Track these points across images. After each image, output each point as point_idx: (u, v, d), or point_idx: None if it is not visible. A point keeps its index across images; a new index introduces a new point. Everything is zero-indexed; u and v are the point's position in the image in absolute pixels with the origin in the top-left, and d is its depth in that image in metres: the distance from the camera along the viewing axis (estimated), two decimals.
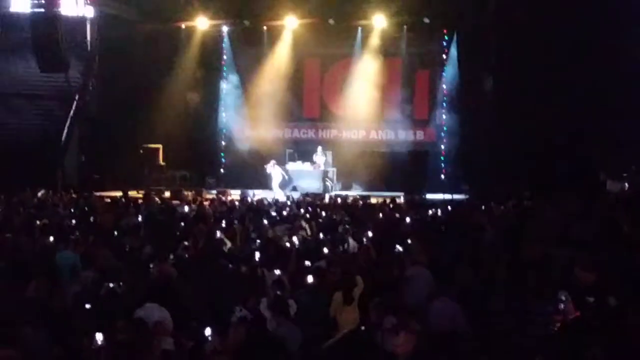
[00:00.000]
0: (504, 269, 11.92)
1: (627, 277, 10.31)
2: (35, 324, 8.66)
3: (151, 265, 12.06)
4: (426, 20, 31.62)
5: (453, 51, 32.34)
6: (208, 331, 8.62)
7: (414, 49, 32.96)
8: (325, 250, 13.89)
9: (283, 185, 30.59)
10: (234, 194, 28.06)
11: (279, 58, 33.49)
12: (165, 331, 8.90)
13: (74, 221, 18.14)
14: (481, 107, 30.57)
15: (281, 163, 31.38)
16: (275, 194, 28.84)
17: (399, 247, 13.77)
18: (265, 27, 33.48)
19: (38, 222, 17.45)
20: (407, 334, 7.71)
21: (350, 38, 32.95)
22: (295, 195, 27.65)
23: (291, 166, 31.65)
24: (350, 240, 14.98)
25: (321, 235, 16.15)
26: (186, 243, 14.13)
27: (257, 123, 34.43)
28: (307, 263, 12.65)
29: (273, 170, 30.46)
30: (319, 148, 31.48)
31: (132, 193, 27.41)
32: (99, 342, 8.02)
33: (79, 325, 8.99)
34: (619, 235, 14.44)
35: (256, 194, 28.12)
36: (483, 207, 22.18)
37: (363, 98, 32.65)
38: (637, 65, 26.05)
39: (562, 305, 9.09)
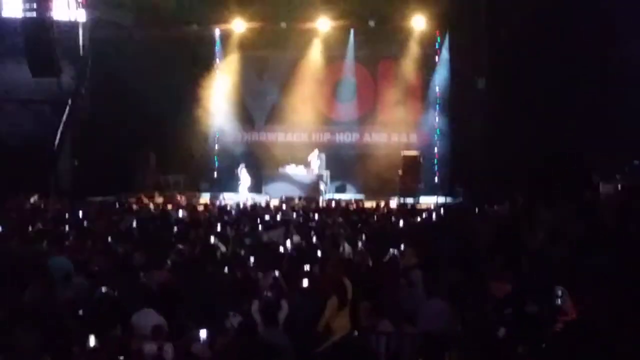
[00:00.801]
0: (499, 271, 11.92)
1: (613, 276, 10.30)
2: (27, 329, 8.62)
3: (144, 271, 12.03)
4: (419, 23, 31.64)
5: (445, 53, 32.33)
6: (203, 333, 8.62)
7: (407, 52, 32.95)
8: (319, 253, 13.89)
9: (252, 189, 30.85)
10: (228, 198, 28.06)
11: (273, 62, 33.55)
12: (163, 336, 8.88)
13: (67, 226, 18.10)
14: (474, 109, 30.57)
15: (276, 166, 31.48)
16: (243, 197, 28.87)
17: (393, 251, 13.77)
18: (257, 31, 33.43)
19: (31, 228, 17.41)
20: None
21: (344, 40, 32.93)
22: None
23: (285, 170, 31.65)
24: (345, 245, 14.95)
25: (314, 239, 16.16)
26: (180, 246, 14.08)
27: (251, 127, 34.49)
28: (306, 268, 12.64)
29: (242, 173, 30.56)
30: (315, 150, 31.44)
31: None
32: (92, 345, 7.99)
33: (72, 330, 8.96)
34: (604, 235, 14.47)
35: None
36: (477, 210, 22.22)
37: (355, 100, 32.66)
38: (631, 67, 26.08)
39: (559, 301, 9.08)
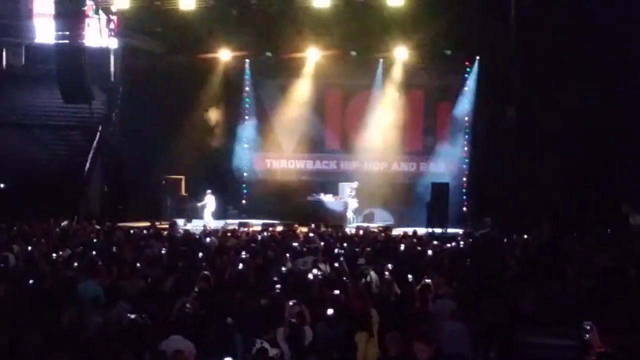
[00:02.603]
0: (529, 302, 11.89)
1: None
2: (60, 354, 8.69)
3: (173, 297, 12.06)
4: (448, 52, 31.71)
5: (474, 83, 32.32)
6: None
7: (436, 81, 33.05)
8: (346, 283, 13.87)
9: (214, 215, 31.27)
10: (256, 225, 28.07)
11: (301, 89, 33.63)
12: None
13: (96, 252, 18.17)
14: (503, 139, 30.45)
15: (306, 194, 31.57)
16: (207, 223, 28.98)
17: (423, 280, 13.72)
18: (287, 59, 33.65)
19: (61, 253, 17.51)
20: None
21: (371, 70, 33.05)
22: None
23: (312, 197, 31.69)
24: (372, 273, 14.90)
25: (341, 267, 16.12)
26: (206, 273, 14.07)
27: (279, 154, 34.59)
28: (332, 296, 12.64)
29: (208, 199, 30.78)
30: (355, 183, 31.50)
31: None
32: None
33: (102, 356, 9.01)
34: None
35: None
36: (505, 240, 22.11)
37: (385, 130, 32.65)
38: None
39: (587, 335, 9.03)
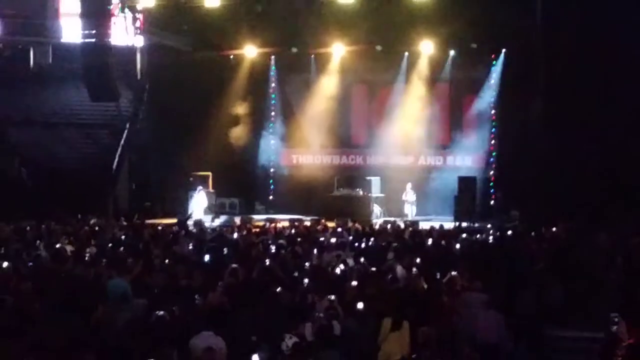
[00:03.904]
0: (558, 295, 11.85)
1: None
2: (87, 350, 8.74)
3: (201, 293, 12.09)
4: (473, 46, 31.59)
5: (500, 75, 32.16)
6: (255, 358, 8.64)
7: (462, 74, 32.87)
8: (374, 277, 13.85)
9: (208, 211, 30.95)
10: (283, 221, 28.07)
11: (327, 85, 33.60)
12: (217, 358, 8.92)
13: (124, 248, 18.25)
14: (530, 131, 30.31)
15: (331, 190, 31.56)
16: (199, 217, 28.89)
17: (450, 274, 13.68)
18: (312, 55, 33.68)
19: (89, 250, 17.61)
20: None
21: (397, 64, 32.96)
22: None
23: (339, 192, 31.67)
24: (399, 268, 14.88)
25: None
26: (234, 266, 14.07)
27: (306, 150, 34.57)
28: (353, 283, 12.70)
29: (198, 196, 30.89)
30: (409, 184, 31.36)
31: None
32: None
33: (130, 351, 9.05)
34: None
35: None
36: (533, 233, 22.00)
37: (411, 124, 32.56)
38: None
39: (614, 327, 8.98)
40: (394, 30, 31.21)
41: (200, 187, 31.35)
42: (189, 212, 30.16)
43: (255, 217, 30.37)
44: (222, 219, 29.02)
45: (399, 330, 10.50)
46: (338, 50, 32.85)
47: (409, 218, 29.68)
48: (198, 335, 9.48)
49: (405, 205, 30.64)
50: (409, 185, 30.82)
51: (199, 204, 30.96)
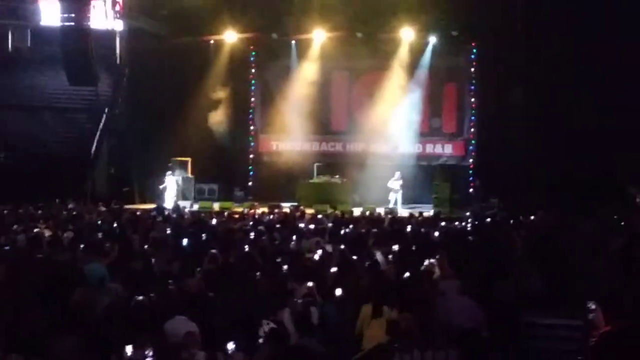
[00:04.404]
0: (537, 282, 11.88)
1: None
2: (65, 335, 8.68)
3: (179, 279, 12.05)
4: (454, 33, 31.66)
5: (481, 63, 32.20)
6: (231, 345, 8.61)
7: (442, 62, 32.89)
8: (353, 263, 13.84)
9: (178, 197, 31.17)
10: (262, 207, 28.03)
11: (307, 71, 33.54)
12: (196, 343, 8.89)
13: (100, 234, 18.17)
14: (510, 120, 30.40)
15: (310, 177, 31.58)
16: (167, 205, 29.03)
17: (428, 261, 13.70)
18: (293, 41, 33.62)
19: (66, 234, 17.52)
20: None
21: (378, 51, 32.89)
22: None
23: (319, 179, 31.69)
24: (378, 255, 14.88)
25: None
26: (213, 251, 14.03)
27: (286, 136, 34.53)
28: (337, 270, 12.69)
29: (169, 180, 30.91)
30: (397, 173, 30.98)
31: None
32: (129, 355, 8.03)
33: (109, 337, 9.00)
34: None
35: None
36: (512, 221, 22.08)
37: (390, 111, 32.56)
38: None
39: (591, 315, 9.02)
40: (375, 16, 31.20)
41: (169, 172, 31.23)
42: (163, 196, 30.38)
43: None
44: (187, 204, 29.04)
45: (380, 317, 10.48)
46: (319, 37, 32.80)
47: (391, 205, 29.57)
48: (173, 319, 9.44)
49: (390, 193, 30.48)
50: (397, 174, 30.65)
51: (169, 190, 30.88)
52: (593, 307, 9.05)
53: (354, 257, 14.47)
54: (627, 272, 11.95)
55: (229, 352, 8.59)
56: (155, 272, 12.97)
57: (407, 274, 12.90)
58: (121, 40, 33.50)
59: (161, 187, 31.12)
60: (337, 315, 10.84)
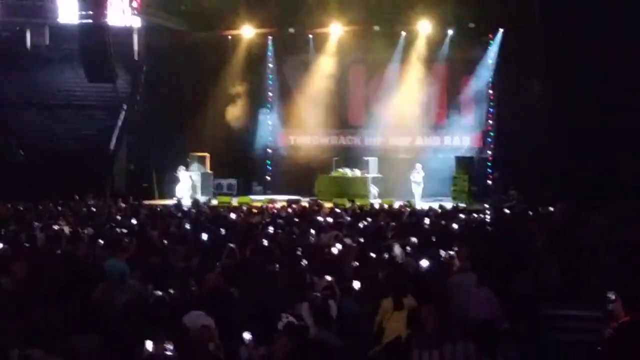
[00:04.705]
0: (556, 274, 11.86)
1: None
2: (85, 331, 8.73)
3: (198, 274, 12.08)
4: (471, 25, 31.53)
5: (498, 55, 32.06)
6: (247, 335, 8.64)
7: (459, 54, 32.77)
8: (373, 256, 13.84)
9: (194, 192, 31.25)
10: (280, 201, 28.06)
11: (324, 65, 33.53)
12: (212, 337, 8.93)
13: (118, 229, 18.21)
14: (528, 112, 30.26)
15: (329, 170, 31.57)
16: (180, 199, 29.00)
17: (446, 254, 13.69)
18: (310, 35, 33.60)
19: (86, 231, 17.60)
20: None
21: (395, 44, 32.83)
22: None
23: (337, 173, 31.68)
24: (396, 248, 14.86)
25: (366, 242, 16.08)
26: (232, 246, 14.06)
27: (303, 130, 34.56)
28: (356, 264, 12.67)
29: (180, 175, 30.97)
30: (418, 165, 30.89)
31: None
32: (150, 350, 8.06)
33: (129, 333, 9.04)
34: None
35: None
36: (531, 213, 22.01)
37: (408, 104, 32.49)
38: None
39: (610, 306, 8.98)
40: (392, 10, 31.16)
41: (182, 167, 31.30)
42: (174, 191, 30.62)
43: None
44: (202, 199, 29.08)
45: (402, 310, 10.47)
46: (336, 31, 32.78)
47: (416, 198, 29.50)
48: (188, 314, 9.47)
49: (412, 185, 30.34)
50: (419, 166, 30.53)
51: (182, 185, 30.98)
52: (613, 297, 9.00)
53: (373, 251, 14.46)
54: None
55: (246, 342, 8.64)
56: (174, 267, 13.00)
57: (425, 267, 12.91)
58: (139, 37, 33.60)
59: (179, 182, 31.18)
60: (356, 308, 10.85)
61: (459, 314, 10.31)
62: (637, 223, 17.25)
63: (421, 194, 30.19)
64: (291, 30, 33.45)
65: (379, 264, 13.08)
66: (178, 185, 31.05)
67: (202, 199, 28.98)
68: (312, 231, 17.63)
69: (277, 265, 12.54)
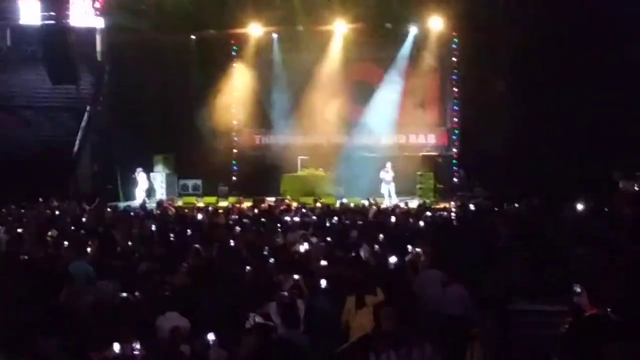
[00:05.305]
0: (524, 269, 11.92)
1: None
2: (50, 333, 8.64)
3: (164, 275, 12.02)
4: (435, 24, 31.62)
5: (463, 54, 32.16)
6: (211, 336, 8.61)
7: (423, 53, 32.81)
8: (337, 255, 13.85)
9: (148, 192, 31.29)
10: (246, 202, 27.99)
11: (289, 64, 33.62)
12: (182, 338, 8.89)
13: (85, 231, 18.11)
14: (493, 109, 30.37)
15: (294, 170, 31.52)
16: (139, 200, 29.13)
17: (412, 251, 13.73)
18: (273, 33, 33.59)
19: (50, 233, 17.45)
20: None
21: (356, 43, 32.86)
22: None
23: (303, 172, 31.65)
24: (364, 246, 14.88)
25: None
26: (197, 246, 14.03)
27: (268, 130, 34.52)
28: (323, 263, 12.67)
29: (139, 177, 30.94)
30: (388, 163, 30.78)
31: None
32: (116, 352, 8.01)
33: (96, 334, 8.97)
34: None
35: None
36: (496, 209, 22.14)
37: (372, 102, 32.57)
38: None
39: (576, 298, 9.02)
40: (354, 7, 31.18)
41: (139, 169, 31.13)
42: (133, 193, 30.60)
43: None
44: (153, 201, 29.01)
45: (365, 307, 10.46)
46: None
47: (385, 197, 29.53)
48: (164, 315, 9.43)
49: (382, 185, 30.34)
50: (389, 164, 30.54)
51: (139, 187, 30.84)
52: (579, 290, 9.04)
53: (339, 249, 14.47)
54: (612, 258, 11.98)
55: (210, 342, 8.61)
56: (140, 268, 12.92)
57: (391, 265, 12.93)
58: (102, 38, 33.30)
59: (137, 184, 31.19)
60: (324, 307, 10.83)
61: (426, 312, 10.35)
62: (603, 218, 17.42)
63: (395, 191, 30.15)
64: (255, 28, 33.32)
65: (345, 263, 13.08)
66: (137, 188, 30.88)
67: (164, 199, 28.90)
68: (279, 230, 17.65)
69: (245, 265, 12.52)
